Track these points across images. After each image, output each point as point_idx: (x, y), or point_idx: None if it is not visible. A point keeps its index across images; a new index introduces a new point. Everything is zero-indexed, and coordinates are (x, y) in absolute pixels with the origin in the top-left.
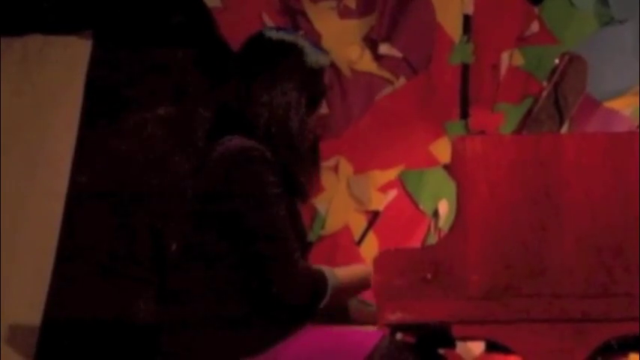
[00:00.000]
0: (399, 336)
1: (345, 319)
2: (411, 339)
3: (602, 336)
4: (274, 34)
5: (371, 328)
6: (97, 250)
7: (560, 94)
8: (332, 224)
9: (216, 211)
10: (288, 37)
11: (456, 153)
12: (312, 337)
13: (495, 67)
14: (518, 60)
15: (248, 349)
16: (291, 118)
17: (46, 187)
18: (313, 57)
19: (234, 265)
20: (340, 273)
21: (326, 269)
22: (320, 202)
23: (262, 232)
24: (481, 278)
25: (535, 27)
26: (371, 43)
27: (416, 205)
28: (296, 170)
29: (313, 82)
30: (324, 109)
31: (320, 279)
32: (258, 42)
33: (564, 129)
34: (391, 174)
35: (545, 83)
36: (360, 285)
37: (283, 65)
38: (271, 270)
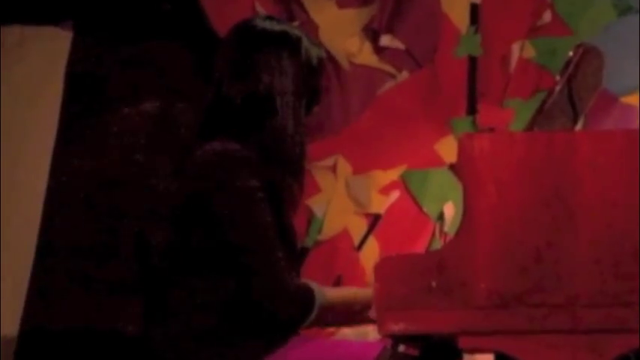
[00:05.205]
0: (401, 348)
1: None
2: (414, 351)
3: (618, 348)
4: (269, 25)
5: (371, 337)
6: (78, 257)
7: (575, 89)
8: (330, 228)
9: (198, 217)
10: (285, 28)
11: (462, 152)
12: (312, 349)
13: (505, 59)
14: (530, 52)
15: None
16: (287, 119)
17: (26, 187)
18: (313, 51)
19: (217, 275)
20: (330, 293)
21: (315, 286)
22: (317, 205)
23: (245, 242)
24: (490, 286)
25: (547, 17)
26: (371, 34)
27: (420, 207)
28: (285, 177)
29: (312, 78)
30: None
31: (307, 295)
32: (250, 34)
33: (579, 126)
34: (393, 174)
35: (558, 77)
36: (352, 309)
37: (283, 60)
38: (255, 282)
